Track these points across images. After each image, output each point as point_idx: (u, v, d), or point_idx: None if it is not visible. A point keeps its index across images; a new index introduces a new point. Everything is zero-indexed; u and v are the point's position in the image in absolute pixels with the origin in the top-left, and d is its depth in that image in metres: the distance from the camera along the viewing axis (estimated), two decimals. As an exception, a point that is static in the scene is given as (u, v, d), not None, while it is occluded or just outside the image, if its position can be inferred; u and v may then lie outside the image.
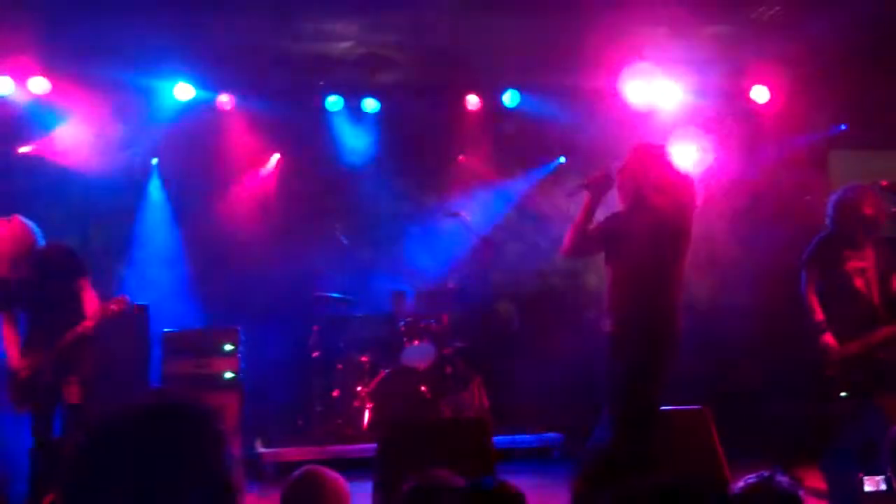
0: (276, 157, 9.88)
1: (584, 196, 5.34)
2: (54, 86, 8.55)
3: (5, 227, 6.29)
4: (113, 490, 1.40)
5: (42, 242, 6.38)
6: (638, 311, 5.10)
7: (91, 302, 6.29)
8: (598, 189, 5.30)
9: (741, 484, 3.06)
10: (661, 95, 9.14)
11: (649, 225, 5.10)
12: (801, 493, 3.04)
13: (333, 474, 3.49)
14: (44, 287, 6.28)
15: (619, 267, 5.25)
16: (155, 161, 9.54)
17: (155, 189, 9.56)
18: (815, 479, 5.92)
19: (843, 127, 9.30)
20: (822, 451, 5.86)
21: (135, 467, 1.42)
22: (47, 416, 6.22)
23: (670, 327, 5.15)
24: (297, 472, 3.50)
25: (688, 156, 9.50)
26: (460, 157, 10.08)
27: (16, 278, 6.29)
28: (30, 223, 6.38)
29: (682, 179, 5.22)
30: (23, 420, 6.43)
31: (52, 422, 6.23)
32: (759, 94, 9.34)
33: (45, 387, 6.18)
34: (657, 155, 5.29)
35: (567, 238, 5.36)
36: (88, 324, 6.21)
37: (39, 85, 8.49)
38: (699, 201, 5.26)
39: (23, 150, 8.92)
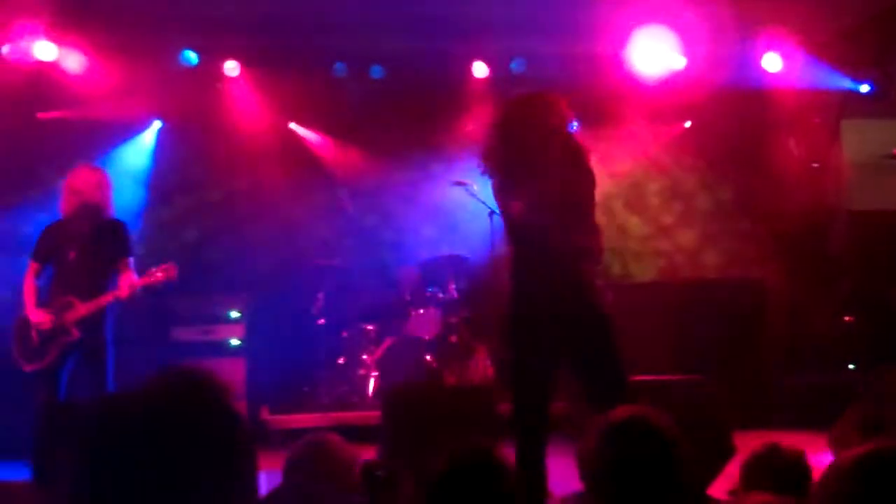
0: (291, 125, 9.81)
1: None
2: (62, 51, 8.47)
3: (93, 174, 6.28)
4: (129, 469, 1.41)
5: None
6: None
7: (127, 280, 6.23)
8: None
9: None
10: (669, 62, 9.05)
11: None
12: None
13: (341, 442, 3.48)
14: (94, 250, 6.22)
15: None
16: (158, 125, 9.49)
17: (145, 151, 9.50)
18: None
19: (866, 87, 8.99)
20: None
21: (149, 447, 1.43)
22: (56, 376, 6.13)
23: None
24: (304, 438, 3.52)
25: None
26: (467, 126, 10.00)
27: (73, 227, 6.23)
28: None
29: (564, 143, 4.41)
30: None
31: (61, 383, 6.15)
32: (772, 61, 9.21)
33: (65, 345, 6.13)
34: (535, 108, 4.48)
35: None
36: (125, 291, 6.15)
37: (47, 50, 8.40)
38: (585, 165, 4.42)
39: (42, 114, 8.91)
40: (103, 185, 6.30)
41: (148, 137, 9.47)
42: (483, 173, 4.52)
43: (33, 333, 6.12)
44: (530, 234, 4.42)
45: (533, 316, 4.42)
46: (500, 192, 4.47)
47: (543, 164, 4.33)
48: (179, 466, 1.41)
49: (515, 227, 4.47)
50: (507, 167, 4.41)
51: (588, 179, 4.40)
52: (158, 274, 6.26)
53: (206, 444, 1.44)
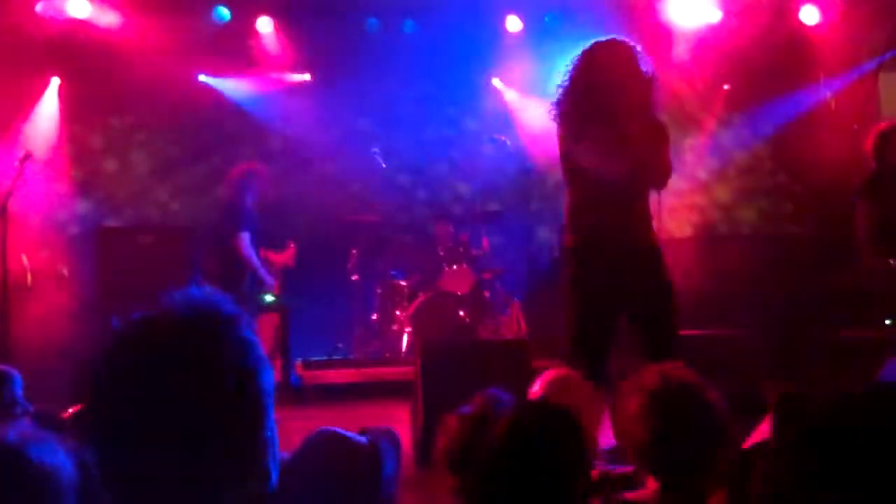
0: (306, 76, 9.70)
1: None
2: (96, 8, 8.46)
3: None
4: (137, 398, 1.37)
5: None
6: None
7: None
8: None
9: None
10: (705, 15, 8.91)
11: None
12: None
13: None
14: None
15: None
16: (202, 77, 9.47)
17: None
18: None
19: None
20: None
21: (158, 376, 1.37)
22: None
23: None
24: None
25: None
26: (496, 79, 9.93)
27: None
28: None
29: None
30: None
31: None
32: (809, 14, 9.04)
33: None
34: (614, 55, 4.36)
35: None
36: None
37: (80, 7, 8.40)
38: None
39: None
40: None
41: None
42: (554, 118, 4.40)
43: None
44: (598, 180, 4.34)
45: (597, 261, 4.38)
46: (570, 137, 4.35)
47: (623, 110, 4.27)
48: (188, 398, 1.35)
49: (582, 172, 4.38)
50: (584, 111, 4.31)
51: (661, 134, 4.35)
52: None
53: (216, 376, 1.39)
